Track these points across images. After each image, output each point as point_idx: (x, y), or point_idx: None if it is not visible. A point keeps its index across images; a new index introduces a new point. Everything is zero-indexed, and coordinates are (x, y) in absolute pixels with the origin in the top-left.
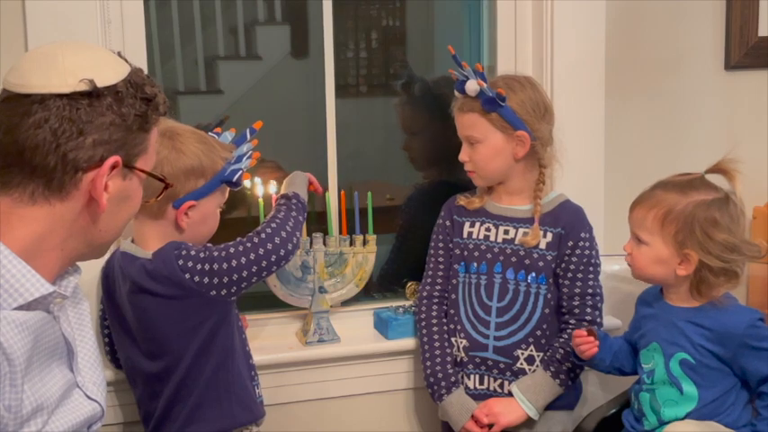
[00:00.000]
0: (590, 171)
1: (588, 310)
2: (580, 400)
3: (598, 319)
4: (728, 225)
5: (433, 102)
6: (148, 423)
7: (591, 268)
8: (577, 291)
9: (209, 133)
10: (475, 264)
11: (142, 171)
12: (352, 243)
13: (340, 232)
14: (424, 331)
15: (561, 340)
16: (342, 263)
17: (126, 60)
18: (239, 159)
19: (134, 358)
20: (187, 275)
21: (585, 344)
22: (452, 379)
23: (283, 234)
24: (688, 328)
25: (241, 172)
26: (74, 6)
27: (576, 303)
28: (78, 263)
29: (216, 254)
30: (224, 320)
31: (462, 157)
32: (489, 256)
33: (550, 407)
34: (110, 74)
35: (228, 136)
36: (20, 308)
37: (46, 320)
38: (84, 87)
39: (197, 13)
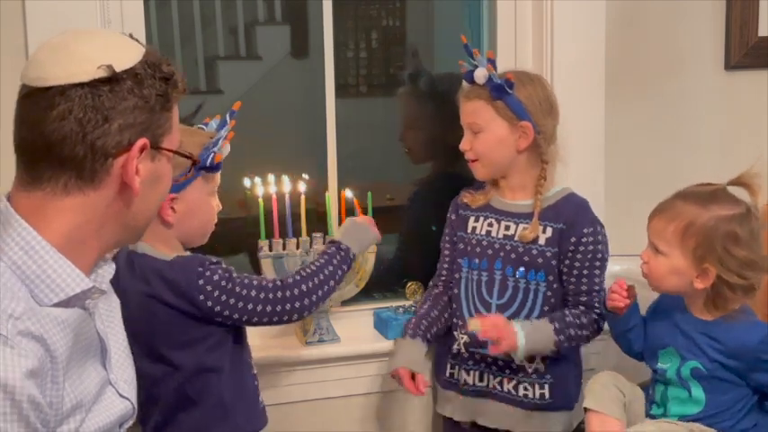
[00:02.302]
0: (590, 171)
1: (596, 305)
2: (579, 400)
3: (604, 312)
4: (749, 241)
5: (437, 96)
6: (146, 425)
7: (597, 263)
8: (584, 288)
9: (199, 126)
10: (477, 259)
11: (169, 150)
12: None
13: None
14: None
15: (575, 312)
16: None
17: (138, 41)
18: (216, 143)
19: (134, 358)
20: (202, 297)
21: (620, 295)
22: (421, 329)
23: (310, 284)
24: (702, 340)
25: (212, 154)
26: (74, 6)
27: (583, 300)
28: None
29: (237, 288)
30: (231, 335)
31: (464, 145)
32: (490, 252)
33: (549, 407)
34: (126, 57)
35: (214, 124)
36: (59, 303)
37: (83, 318)
38: (103, 74)
39: (197, 13)
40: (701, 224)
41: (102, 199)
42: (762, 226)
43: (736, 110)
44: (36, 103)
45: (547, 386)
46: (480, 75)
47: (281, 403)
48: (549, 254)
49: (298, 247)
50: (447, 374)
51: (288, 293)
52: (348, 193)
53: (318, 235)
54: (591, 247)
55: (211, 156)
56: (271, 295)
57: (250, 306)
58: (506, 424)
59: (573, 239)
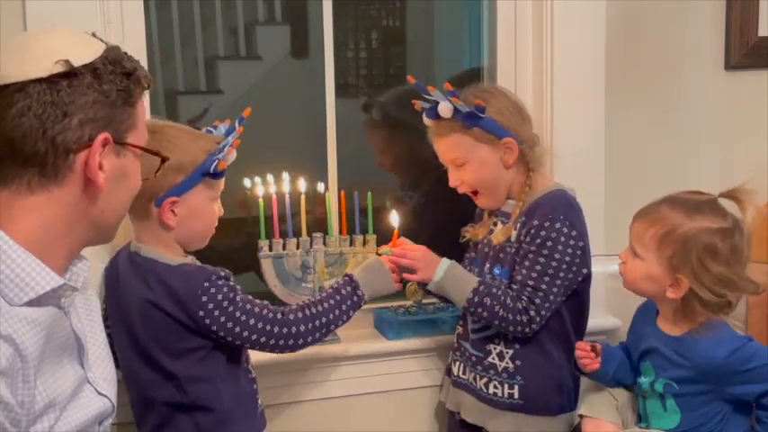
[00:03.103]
0: (590, 171)
1: (537, 302)
2: (571, 409)
3: (532, 312)
4: (728, 257)
5: (392, 119)
6: (143, 427)
7: (542, 259)
8: (518, 278)
9: (208, 129)
10: (478, 260)
11: (134, 146)
12: (352, 243)
13: (340, 232)
14: None
15: (511, 293)
16: (342, 263)
17: (101, 40)
18: (222, 150)
19: (131, 360)
20: (201, 313)
21: (587, 359)
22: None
23: (310, 326)
24: (673, 358)
25: (217, 161)
26: (74, 6)
27: (525, 293)
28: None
29: (238, 313)
30: (228, 344)
31: (453, 182)
32: (480, 249)
33: (521, 409)
34: (84, 52)
35: (222, 129)
36: (30, 302)
37: (57, 317)
38: (60, 68)
39: (197, 13)
40: (680, 233)
41: (67, 196)
42: (747, 244)
43: (736, 110)
44: None
45: (516, 387)
46: (445, 109)
47: (281, 403)
48: (514, 250)
49: (298, 247)
50: (449, 361)
51: (286, 330)
52: (394, 216)
53: (318, 235)
54: (538, 241)
55: (215, 162)
56: (268, 327)
57: (245, 334)
58: (479, 420)
59: (524, 230)
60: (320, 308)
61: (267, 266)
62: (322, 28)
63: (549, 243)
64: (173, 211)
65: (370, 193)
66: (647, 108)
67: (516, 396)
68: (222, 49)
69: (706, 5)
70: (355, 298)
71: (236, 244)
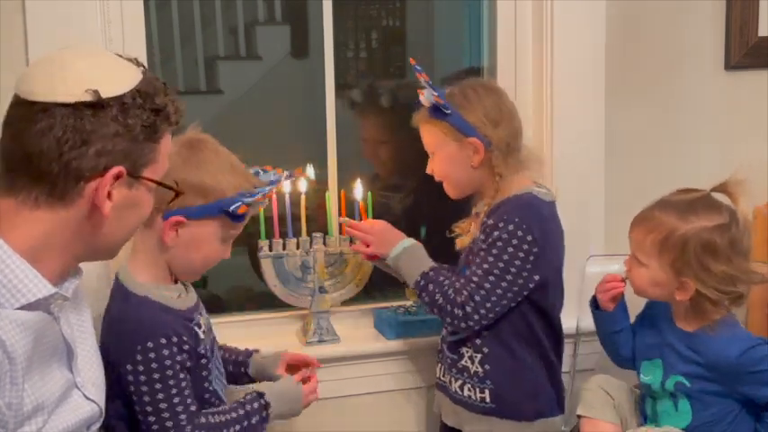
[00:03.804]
0: (590, 171)
1: (463, 296)
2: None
3: (468, 308)
4: (728, 253)
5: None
6: None
7: (490, 258)
8: (468, 273)
9: (257, 169)
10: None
11: (150, 180)
12: (352, 243)
13: (340, 232)
14: None
15: (457, 283)
16: (342, 263)
17: (143, 66)
18: (252, 195)
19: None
20: (129, 367)
21: (614, 282)
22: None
23: None
24: (686, 353)
25: (239, 204)
26: (74, 6)
27: (469, 287)
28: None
29: (160, 395)
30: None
31: (428, 169)
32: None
33: (493, 413)
34: (116, 84)
35: (271, 176)
36: (21, 308)
37: (46, 321)
38: (88, 98)
39: (197, 13)
40: (677, 237)
41: (71, 218)
42: (745, 233)
43: (736, 110)
44: (22, 114)
45: (487, 391)
46: (423, 98)
47: None
48: (476, 249)
49: (298, 247)
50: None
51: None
52: (357, 193)
53: (318, 235)
54: (490, 240)
55: (238, 204)
56: (173, 429)
57: (151, 419)
58: (456, 422)
59: (482, 227)
60: (224, 418)
61: (267, 266)
62: (322, 28)
63: (499, 243)
64: (176, 230)
65: (370, 193)
66: (647, 108)
67: (488, 400)
68: (222, 49)
69: (706, 5)
70: (261, 417)
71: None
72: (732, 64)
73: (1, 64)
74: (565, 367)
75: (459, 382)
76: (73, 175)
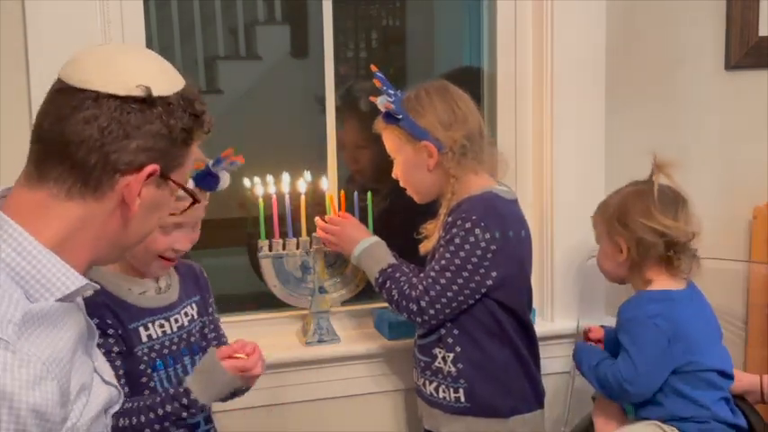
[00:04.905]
0: (590, 171)
1: (418, 290)
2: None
3: (423, 303)
4: (645, 210)
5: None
6: None
7: (447, 255)
8: (431, 271)
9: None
10: None
11: (176, 183)
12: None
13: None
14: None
15: (414, 279)
16: (342, 263)
17: (180, 75)
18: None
19: None
20: None
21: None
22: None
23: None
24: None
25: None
26: (74, 6)
27: (425, 282)
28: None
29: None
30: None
31: (393, 173)
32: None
33: (469, 412)
34: (166, 84)
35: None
36: (58, 301)
37: (75, 310)
38: (139, 93)
39: (197, 13)
40: (607, 208)
41: (100, 211)
42: (672, 199)
43: (736, 110)
44: (67, 100)
45: (462, 390)
46: (380, 103)
47: (281, 403)
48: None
49: (298, 247)
50: None
51: None
52: (324, 185)
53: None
54: (448, 237)
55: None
56: None
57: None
58: (433, 426)
59: (443, 226)
60: (136, 415)
61: (267, 266)
62: (322, 28)
63: (456, 240)
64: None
65: (370, 193)
66: (646, 108)
67: (463, 400)
68: (222, 49)
69: (706, 5)
70: (191, 410)
71: (236, 244)
72: (732, 64)
73: (1, 64)
74: (565, 367)
75: (434, 384)
76: (110, 167)
